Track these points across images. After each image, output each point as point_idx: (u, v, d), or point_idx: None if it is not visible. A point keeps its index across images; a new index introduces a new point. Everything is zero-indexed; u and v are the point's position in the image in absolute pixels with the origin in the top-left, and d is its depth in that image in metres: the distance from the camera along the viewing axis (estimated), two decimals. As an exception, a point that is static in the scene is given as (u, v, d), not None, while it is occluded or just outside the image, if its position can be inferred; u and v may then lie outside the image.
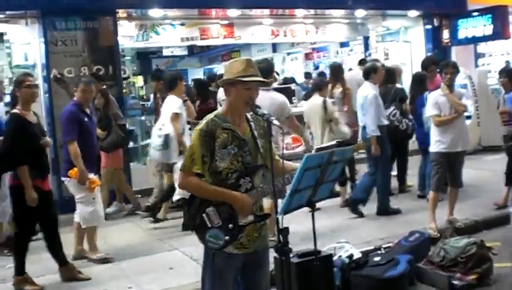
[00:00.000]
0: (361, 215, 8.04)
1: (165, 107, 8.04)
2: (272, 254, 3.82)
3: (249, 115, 3.66)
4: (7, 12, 9.82)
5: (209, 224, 3.51)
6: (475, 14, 13.51)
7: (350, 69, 14.82)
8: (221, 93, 7.18)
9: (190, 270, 6.11)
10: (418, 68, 11.83)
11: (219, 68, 20.65)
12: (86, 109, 6.74)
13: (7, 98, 8.78)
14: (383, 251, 6.18)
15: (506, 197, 8.15)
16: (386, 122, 8.14)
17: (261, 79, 3.61)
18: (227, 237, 3.50)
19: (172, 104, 7.82)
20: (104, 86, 9.00)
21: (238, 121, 3.60)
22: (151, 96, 12.35)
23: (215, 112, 3.67)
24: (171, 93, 7.96)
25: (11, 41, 10.75)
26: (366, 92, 8.02)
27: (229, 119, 3.57)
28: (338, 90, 9.07)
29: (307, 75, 17.81)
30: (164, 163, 8.05)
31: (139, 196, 9.49)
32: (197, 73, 23.67)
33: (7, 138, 5.93)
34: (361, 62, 12.99)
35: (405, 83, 13.68)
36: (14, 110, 5.96)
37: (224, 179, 3.53)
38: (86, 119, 6.64)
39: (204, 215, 3.53)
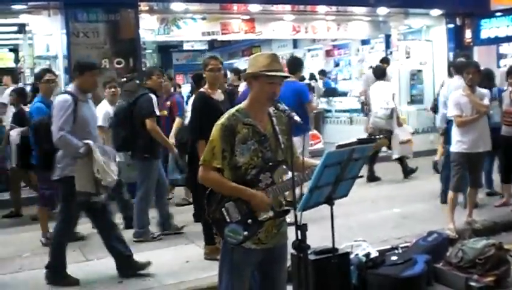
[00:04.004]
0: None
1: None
2: (289, 250, 3.80)
3: (271, 110, 3.62)
4: (30, 3, 9.91)
5: (228, 219, 3.50)
6: (498, 14, 13.38)
7: (371, 67, 14.76)
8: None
9: (206, 263, 6.14)
10: (439, 67, 11.78)
11: (239, 63, 20.62)
12: None
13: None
14: (400, 251, 6.15)
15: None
16: None
17: (285, 74, 3.60)
18: (246, 232, 3.48)
19: None
20: None
21: (259, 116, 3.56)
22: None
23: (237, 107, 3.63)
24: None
25: (34, 32, 10.86)
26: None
27: (250, 114, 3.54)
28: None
29: (322, 72, 17.81)
30: (387, 129, 9.93)
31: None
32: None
33: (193, 113, 6.42)
34: (383, 60, 12.94)
35: (426, 82, 13.66)
36: (201, 89, 6.47)
37: (244, 174, 3.51)
38: None
39: (223, 209, 3.51)
